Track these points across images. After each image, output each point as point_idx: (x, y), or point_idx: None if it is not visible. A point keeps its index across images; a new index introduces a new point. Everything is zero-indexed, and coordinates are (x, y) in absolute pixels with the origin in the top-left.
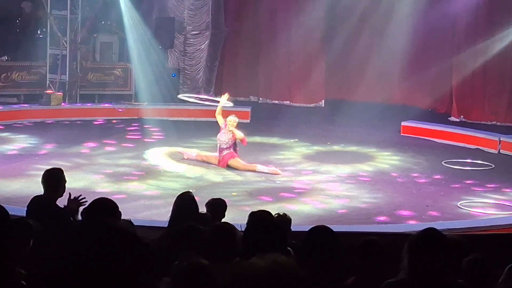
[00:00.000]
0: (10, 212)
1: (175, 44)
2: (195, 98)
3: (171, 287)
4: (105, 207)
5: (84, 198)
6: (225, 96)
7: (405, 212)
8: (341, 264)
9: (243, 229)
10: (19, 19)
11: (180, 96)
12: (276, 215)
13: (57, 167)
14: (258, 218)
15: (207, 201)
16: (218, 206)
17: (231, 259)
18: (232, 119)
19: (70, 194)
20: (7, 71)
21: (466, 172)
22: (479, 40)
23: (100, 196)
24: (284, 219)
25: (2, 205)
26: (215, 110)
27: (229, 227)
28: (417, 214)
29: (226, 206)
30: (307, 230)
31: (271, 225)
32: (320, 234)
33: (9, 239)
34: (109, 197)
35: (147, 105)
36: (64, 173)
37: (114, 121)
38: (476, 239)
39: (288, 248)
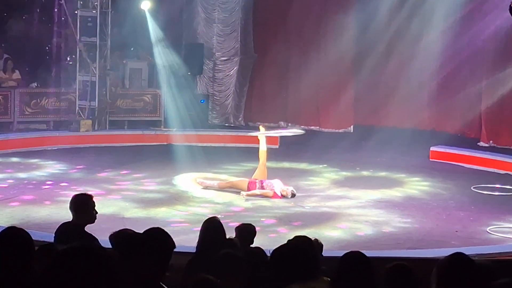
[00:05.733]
0: (40, 238)
1: (204, 70)
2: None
3: None
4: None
5: None
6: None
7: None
8: None
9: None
10: (49, 46)
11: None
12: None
13: (85, 192)
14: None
15: (235, 226)
16: (247, 231)
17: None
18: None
19: None
20: (37, 97)
21: (496, 198)
22: (508, 65)
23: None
24: (316, 245)
25: (32, 230)
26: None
27: (260, 251)
28: (446, 239)
29: (255, 231)
30: (336, 255)
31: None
32: (355, 261)
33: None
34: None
35: (176, 131)
36: (93, 199)
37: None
38: (506, 264)
39: (325, 277)
